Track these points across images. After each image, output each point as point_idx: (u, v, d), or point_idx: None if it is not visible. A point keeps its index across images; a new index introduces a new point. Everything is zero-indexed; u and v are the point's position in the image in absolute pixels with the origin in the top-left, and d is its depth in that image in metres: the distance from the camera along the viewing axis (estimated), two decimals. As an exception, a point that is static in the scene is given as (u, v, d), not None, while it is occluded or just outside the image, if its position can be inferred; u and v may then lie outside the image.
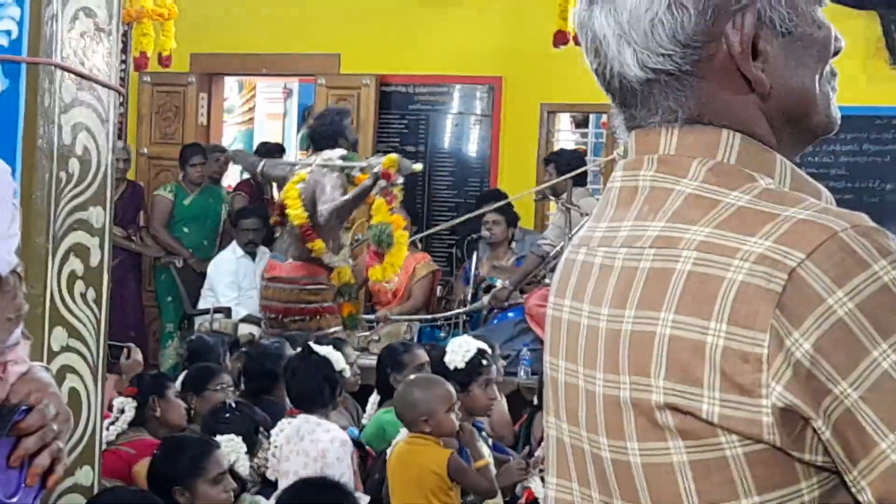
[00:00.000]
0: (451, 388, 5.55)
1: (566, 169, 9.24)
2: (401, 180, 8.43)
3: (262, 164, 9.43)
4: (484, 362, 6.05)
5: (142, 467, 5.09)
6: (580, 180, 9.38)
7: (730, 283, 1.37)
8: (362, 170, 8.62)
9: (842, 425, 1.34)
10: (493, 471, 5.52)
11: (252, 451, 5.53)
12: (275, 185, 10.01)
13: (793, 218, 1.39)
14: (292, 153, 13.97)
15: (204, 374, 6.55)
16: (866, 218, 1.39)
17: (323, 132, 8.87)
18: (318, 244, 8.54)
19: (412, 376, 5.89)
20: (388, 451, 5.64)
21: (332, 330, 8.44)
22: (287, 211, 8.57)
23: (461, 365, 5.99)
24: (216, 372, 6.55)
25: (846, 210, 1.41)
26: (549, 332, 1.67)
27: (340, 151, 8.82)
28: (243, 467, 5.32)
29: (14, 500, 2.07)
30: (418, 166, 8.85)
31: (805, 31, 1.54)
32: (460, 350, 6.06)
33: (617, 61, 1.52)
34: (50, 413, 2.14)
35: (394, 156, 8.48)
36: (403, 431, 5.60)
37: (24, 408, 2.11)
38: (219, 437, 5.20)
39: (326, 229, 8.60)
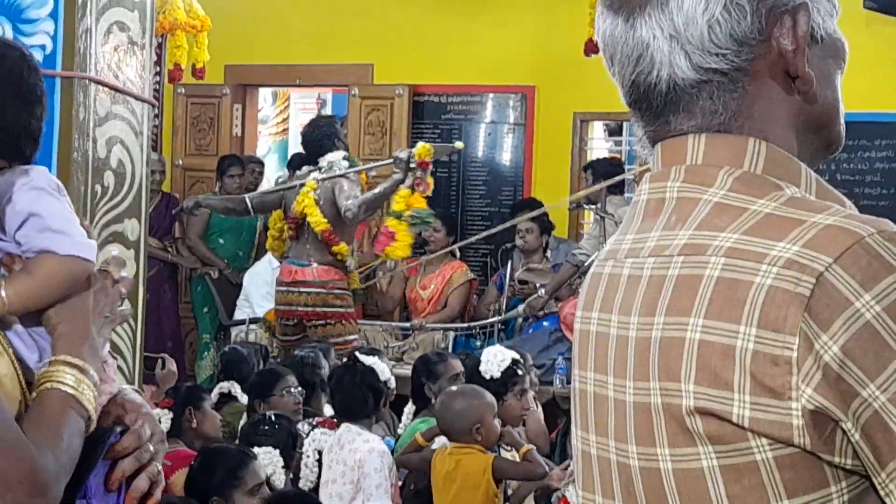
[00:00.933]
0: (492, 396, 5.58)
1: (604, 177, 9.23)
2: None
3: (247, 199, 9.40)
4: (519, 372, 6.07)
5: (178, 479, 5.11)
6: (616, 189, 9.36)
7: (759, 288, 1.38)
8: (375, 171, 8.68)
9: (870, 428, 1.35)
10: (538, 455, 5.55)
11: (289, 465, 5.53)
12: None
13: (820, 223, 1.40)
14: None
15: (268, 379, 6.56)
16: (891, 224, 1.40)
17: (318, 137, 8.86)
18: (343, 247, 8.55)
19: (452, 388, 5.87)
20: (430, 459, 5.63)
21: (351, 338, 8.44)
22: (308, 220, 8.55)
23: (497, 374, 6.01)
24: (282, 375, 6.55)
25: (871, 216, 1.42)
26: (577, 346, 1.68)
27: (342, 153, 8.83)
28: (279, 480, 5.32)
29: None
30: (459, 144, 8.88)
31: (834, 40, 1.56)
32: (495, 360, 6.07)
33: (667, 64, 1.53)
34: (146, 434, 2.14)
35: (427, 144, 8.50)
36: (439, 440, 5.60)
37: (119, 430, 2.12)
38: (256, 450, 5.21)
39: (349, 230, 8.62)
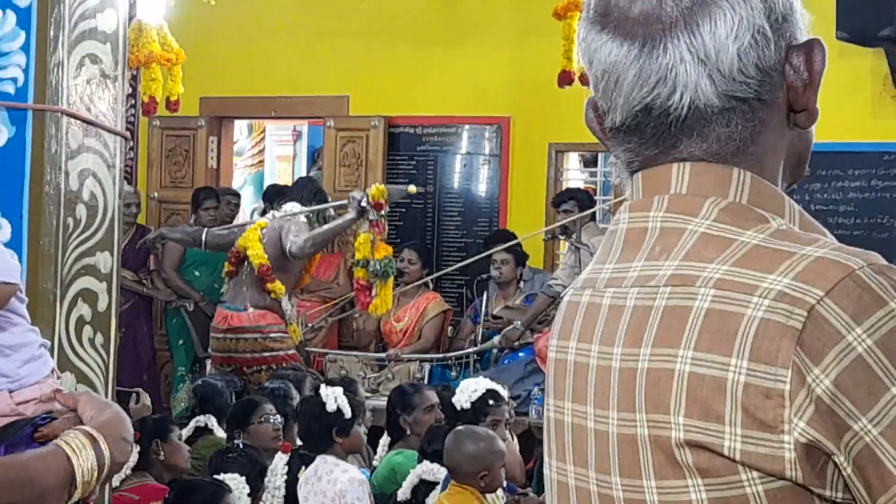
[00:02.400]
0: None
1: (584, 207, 9.26)
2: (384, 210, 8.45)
3: (203, 232, 9.41)
4: (490, 402, 6.03)
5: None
6: (589, 219, 9.40)
7: (750, 320, 1.38)
8: (334, 210, 8.69)
9: (862, 461, 1.34)
10: None
11: (255, 496, 5.51)
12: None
13: (810, 256, 1.40)
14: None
15: (246, 408, 6.54)
16: (880, 257, 1.41)
17: (278, 189, 8.95)
18: (278, 286, 8.51)
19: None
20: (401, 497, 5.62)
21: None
22: (248, 252, 8.50)
23: (467, 405, 5.99)
24: (259, 404, 6.54)
25: (860, 248, 1.42)
26: (552, 375, 1.67)
27: (296, 205, 8.87)
28: None
29: None
30: (412, 188, 8.87)
31: (820, 75, 1.57)
32: (467, 391, 6.06)
33: (692, 89, 1.51)
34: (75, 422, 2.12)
35: (381, 185, 8.51)
36: (414, 474, 5.58)
37: (47, 416, 2.11)
38: (222, 476, 5.20)
39: (288, 272, 8.59)
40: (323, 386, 6.17)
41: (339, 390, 6.08)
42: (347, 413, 6.06)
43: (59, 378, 2.36)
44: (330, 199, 9.41)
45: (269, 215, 8.95)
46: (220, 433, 6.76)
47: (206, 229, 9.63)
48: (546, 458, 1.68)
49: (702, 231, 1.49)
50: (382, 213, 8.36)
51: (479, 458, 5.39)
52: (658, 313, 1.47)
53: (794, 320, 1.36)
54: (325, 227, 8.62)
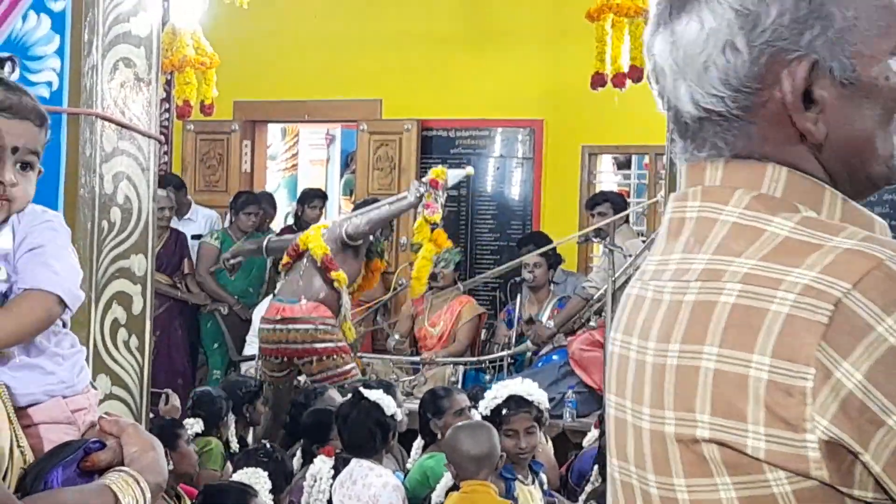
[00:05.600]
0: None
1: (618, 209, 9.25)
2: (442, 196, 8.50)
3: (266, 240, 9.48)
4: (504, 411, 5.92)
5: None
6: (623, 222, 9.38)
7: (774, 316, 1.36)
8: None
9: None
10: None
11: (278, 500, 5.51)
12: None
13: (837, 248, 1.37)
14: (335, 198, 14.02)
15: (323, 418, 6.56)
16: None
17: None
18: (341, 275, 8.53)
19: (462, 424, 5.81)
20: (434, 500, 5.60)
21: (348, 367, 8.41)
22: (309, 245, 8.55)
23: (486, 413, 5.95)
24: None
25: (891, 239, 1.40)
26: (607, 368, 1.66)
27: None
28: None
29: None
30: (470, 169, 8.90)
31: (870, 80, 1.49)
32: (489, 397, 6.01)
33: (672, 94, 1.53)
34: (123, 454, 2.13)
35: (442, 168, 8.56)
36: (448, 477, 5.56)
37: (97, 441, 2.11)
38: (244, 469, 5.21)
39: (348, 264, 8.62)
40: (376, 391, 6.15)
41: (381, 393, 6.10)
42: (399, 418, 6.06)
43: (97, 389, 2.38)
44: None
45: (331, 219, 9.04)
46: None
47: (268, 237, 9.69)
48: (608, 456, 1.67)
49: (733, 220, 1.47)
50: (438, 191, 8.40)
51: (488, 451, 5.36)
52: (688, 308, 1.46)
53: (819, 315, 1.33)
54: (383, 207, 8.67)
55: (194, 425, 6.87)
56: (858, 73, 1.48)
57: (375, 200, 9.69)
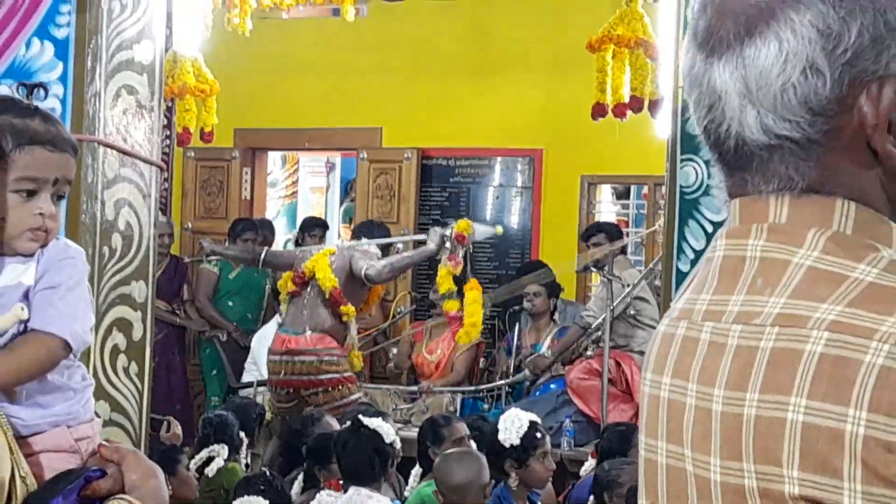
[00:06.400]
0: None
1: (614, 239, 9.26)
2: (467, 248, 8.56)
3: (264, 251, 9.45)
4: (538, 434, 6.01)
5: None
6: (621, 252, 9.41)
7: (869, 367, 1.28)
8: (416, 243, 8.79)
9: None
10: None
11: None
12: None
13: None
14: (335, 226, 14.04)
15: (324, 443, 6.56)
16: None
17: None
18: (350, 309, 8.56)
19: (454, 451, 5.85)
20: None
21: (354, 397, 8.43)
22: (317, 276, 8.56)
23: (517, 441, 5.96)
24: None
25: None
26: (646, 412, 1.58)
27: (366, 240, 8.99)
28: None
29: None
30: (499, 228, 8.92)
31: None
32: (513, 426, 6.02)
33: (737, 121, 1.43)
34: (124, 482, 2.13)
35: (468, 221, 8.59)
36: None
37: (98, 469, 2.12)
38: (244, 499, 5.22)
39: (355, 297, 8.63)
40: (376, 418, 6.17)
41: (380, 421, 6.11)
42: (398, 444, 6.08)
43: (100, 418, 2.39)
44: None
45: (338, 242, 9.02)
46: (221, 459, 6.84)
47: (266, 248, 9.67)
48: (639, 500, 1.61)
49: (808, 264, 1.39)
50: (464, 246, 8.43)
51: (477, 477, 5.40)
52: (765, 355, 1.37)
53: None
54: (405, 254, 8.71)
55: (221, 451, 6.88)
56: None
57: (373, 223, 9.71)
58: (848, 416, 1.28)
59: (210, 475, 6.68)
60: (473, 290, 8.60)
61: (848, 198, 1.41)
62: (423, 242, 9.01)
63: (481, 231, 8.66)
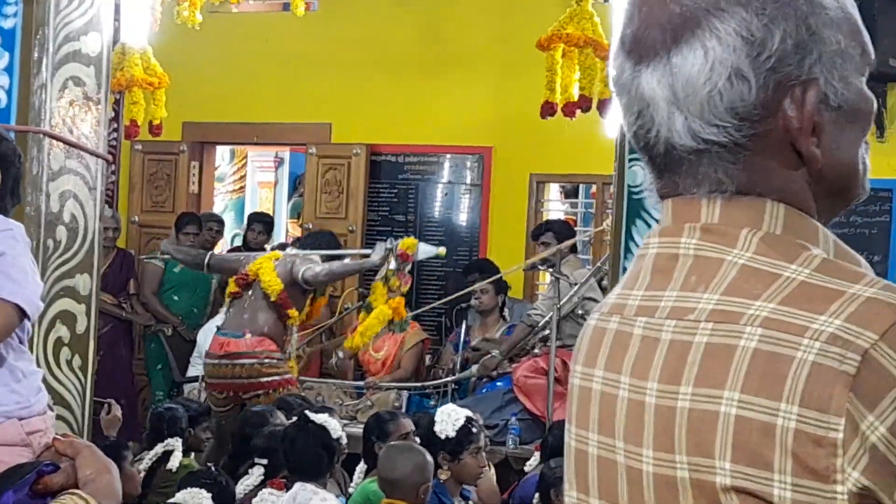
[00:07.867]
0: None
1: (563, 238, 9.27)
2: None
3: (207, 256, 9.40)
4: (474, 430, 6.06)
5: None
6: (570, 250, 9.43)
7: (800, 363, 1.32)
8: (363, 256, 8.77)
9: None
10: None
11: None
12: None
13: (860, 296, 1.34)
14: (282, 221, 14.02)
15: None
16: None
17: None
18: (295, 313, 8.54)
19: (397, 444, 5.87)
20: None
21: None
22: (262, 278, 8.51)
23: (452, 434, 6.00)
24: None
25: None
26: (576, 403, 1.61)
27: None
28: None
29: None
30: (442, 250, 8.85)
31: (853, 105, 1.49)
32: (450, 419, 6.06)
33: (666, 127, 1.46)
34: (77, 477, 2.12)
35: (414, 239, 8.55)
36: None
37: (50, 463, 2.10)
38: (187, 489, 5.20)
39: (298, 301, 8.60)
40: (322, 414, 6.16)
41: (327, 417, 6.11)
42: (344, 440, 6.08)
43: (53, 411, 2.37)
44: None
45: (288, 250, 9.00)
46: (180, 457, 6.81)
47: (210, 253, 9.62)
48: (567, 489, 1.63)
49: (742, 263, 1.42)
50: (407, 264, 8.42)
51: (421, 471, 5.42)
52: (699, 350, 1.40)
53: (847, 365, 1.30)
54: (345, 262, 8.68)
55: (176, 445, 6.86)
56: (846, 97, 1.47)
57: (322, 232, 9.68)
58: (780, 411, 1.32)
59: (173, 469, 6.64)
60: (386, 309, 8.51)
61: (777, 199, 1.46)
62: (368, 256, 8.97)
63: (424, 251, 8.63)
